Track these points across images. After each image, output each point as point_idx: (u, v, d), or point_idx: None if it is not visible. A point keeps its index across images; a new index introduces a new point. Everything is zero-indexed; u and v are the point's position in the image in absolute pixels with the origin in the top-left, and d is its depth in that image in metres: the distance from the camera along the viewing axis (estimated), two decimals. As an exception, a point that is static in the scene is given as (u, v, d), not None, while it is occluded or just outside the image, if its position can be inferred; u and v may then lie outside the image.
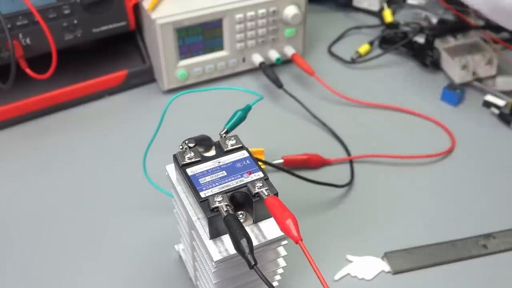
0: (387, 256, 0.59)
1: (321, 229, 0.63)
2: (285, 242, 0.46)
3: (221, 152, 0.48)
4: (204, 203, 0.43)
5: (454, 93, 0.81)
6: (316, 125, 0.78)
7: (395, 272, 0.57)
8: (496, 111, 0.78)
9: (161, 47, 0.78)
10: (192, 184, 0.44)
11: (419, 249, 0.59)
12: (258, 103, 0.53)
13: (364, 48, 0.91)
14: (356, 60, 0.90)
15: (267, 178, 0.45)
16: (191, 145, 0.48)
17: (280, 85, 0.82)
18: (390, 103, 0.81)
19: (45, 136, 0.76)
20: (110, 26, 0.79)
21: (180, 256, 0.59)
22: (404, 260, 0.58)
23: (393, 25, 0.95)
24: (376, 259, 0.59)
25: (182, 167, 0.46)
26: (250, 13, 0.81)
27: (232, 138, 0.48)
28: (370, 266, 0.58)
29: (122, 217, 0.64)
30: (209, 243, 0.43)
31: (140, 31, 0.85)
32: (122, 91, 0.84)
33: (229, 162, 0.46)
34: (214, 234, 0.44)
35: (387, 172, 0.71)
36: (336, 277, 0.57)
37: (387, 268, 0.58)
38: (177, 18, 0.77)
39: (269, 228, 0.44)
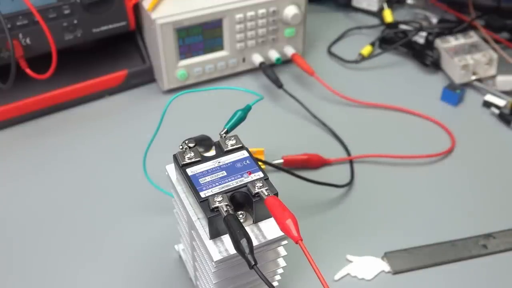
0: (387, 256, 0.59)
1: (321, 229, 0.63)
2: (285, 242, 0.46)
3: (221, 152, 0.48)
4: (204, 203, 0.43)
5: (454, 93, 0.81)
6: (316, 125, 0.78)
7: (395, 272, 0.57)
8: (496, 111, 0.78)
9: (161, 47, 0.78)
10: (192, 184, 0.44)
11: (419, 249, 0.59)
12: (258, 103, 0.53)
13: (366, 49, 0.91)
14: (359, 62, 0.90)
15: (267, 178, 0.45)
16: (191, 145, 0.48)
17: (280, 85, 0.82)
18: (390, 103, 0.81)
19: (45, 136, 0.76)
20: (110, 26, 0.79)
21: (180, 256, 0.59)
22: (404, 260, 0.58)
23: (393, 25, 0.95)
24: (376, 259, 0.59)
25: (182, 167, 0.46)
26: (250, 13, 0.81)
27: (232, 138, 0.48)
28: (370, 266, 0.58)
29: (122, 217, 0.64)
30: (209, 243, 0.43)
31: (140, 31, 0.85)
32: (122, 91, 0.84)
33: (229, 162, 0.46)
34: (214, 234, 0.44)
35: (387, 172, 0.71)
36: (336, 277, 0.57)
37: (387, 268, 0.58)
38: (177, 18, 0.77)
39: (269, 228, 0.44)
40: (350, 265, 0.58)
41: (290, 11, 0.82)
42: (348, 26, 0.99)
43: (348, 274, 0.57)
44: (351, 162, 0.71)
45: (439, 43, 0.87)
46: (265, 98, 0.72)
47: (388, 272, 0.58)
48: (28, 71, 0.73)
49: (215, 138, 0.50)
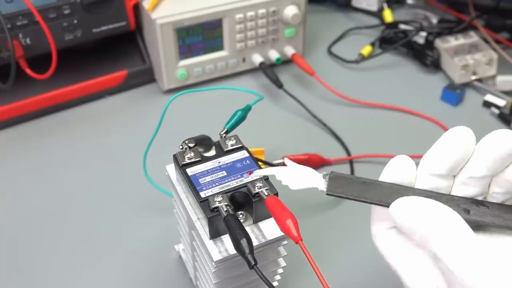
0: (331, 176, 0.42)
1: (321, 229, 0.63)
2: (285, 242, 0.46)
3: (221, 152, 0.48)
4: (204, 203, 0.43)
5: (454, 93, 0.81)
6: (316, 125, 0.78)
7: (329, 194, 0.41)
8: (496, 111, 0.78)
9: (161, 47, 0.78)
10: (192, 184, 0.44)
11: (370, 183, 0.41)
12: (258, 103, 0.53)
13: (366, 49, 0.91)
14: (359, 62, 0.90)
15: (267, 178, 0.45)
16: (191, 145, 0.48)
17: (280, 85, 0.82)
18: (390, 103, 0.81)
19: (45, 136, 0.76)
20: (110, 26, 0.79)
21: (180, 256, 0.59)
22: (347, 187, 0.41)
23: (393, 25, 0.95)
24: (315, 174, 0.43)
25: (182, 167, 0.46)
26: (250, 13, 0.81)
27: (232, 138, 0.48)
28: (304, 176, 0.42)
29: (122, 217, 0.64)
30: (209, 243, 0.43)
31: (140, 31, 0.85)
32: (122, 91, 0.84)
33: (229, 162, 0.46)
34: (214, 234, 0.44)
35: (387, 172, 0.71)
36: (257, 173, 0.45)
37: (323, 186, 0.42)
38: (177, 18, 0.77)
39: (269, 228, 0.44)
40: (282, 168, 0.43)
41: (290, 11, 0.82)
42: (348, 26, 0.99)
43: (274, 175, 0.43)
44: (351, 162, 0.71)
45: (439, 43, 0.87)
46: (265, 98, 0.71)
47: (321, 191, 0.42)
48: (28, 71, 0.73)
49: (215, 138, 0.50)
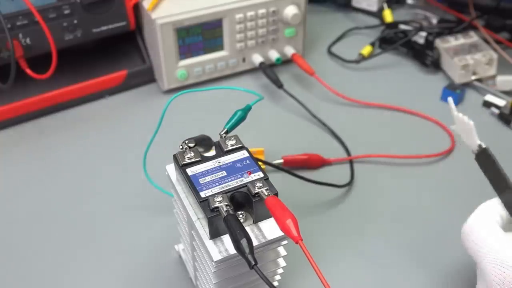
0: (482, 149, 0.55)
1: (321, 229, 0.63)
2: (285, 242, 0.46)
3: (221, 152, 0.48)
4: (204, 203, 0.43)
5: (454, 93, 0.81)
6: (316, 125, 0.78)
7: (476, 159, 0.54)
8: (496, 111, 0.78)
9: (161, 47, 0.78)
10: (192, 184, 0.45)
11: None
12: (258, 103, 0.53)
13: (366, 49, 0.91)
14: (359, 62, 0.90)
15: (267, 178, 0.45)
16: (191, 145, 0.48)
17: (280, 85, 0.82)
18: (390, 103, 0.81)
19: (45, 136, 0.76)
20: (110, 26, 0.79)
21: (180, 256, 0.59)
22: None
23: (393, 25, 0.95)
24: (476, 138, 0.56)
25: (182, 167, 0.46)
26: (250, 13, 0.81)
27: (232, 138, 0.48)
28: (469, 133, 0.56)
29: (122, 217, 0.64)
30: (209, 243, 0.43)
31: (140, 31, 0.85)
32: (122, 91, 0.84)
33: (229, 162, 0.46)
34: (214, 234, 0.44)
35: (387, 172, 0.71)
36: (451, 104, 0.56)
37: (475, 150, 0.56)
38: (177, 18, 0.77)
39: (269, 228, 0.44)
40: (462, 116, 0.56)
41: (290, 11, 0.82)
42: (348, 26, 0.99)
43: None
44: (351, 162, 0.71)
45: (439, 43, 0.87)
46: (265, 98, 0.71)
47: None
48: (28, 71, 0.73)
49: (215, 138, 0.50)
